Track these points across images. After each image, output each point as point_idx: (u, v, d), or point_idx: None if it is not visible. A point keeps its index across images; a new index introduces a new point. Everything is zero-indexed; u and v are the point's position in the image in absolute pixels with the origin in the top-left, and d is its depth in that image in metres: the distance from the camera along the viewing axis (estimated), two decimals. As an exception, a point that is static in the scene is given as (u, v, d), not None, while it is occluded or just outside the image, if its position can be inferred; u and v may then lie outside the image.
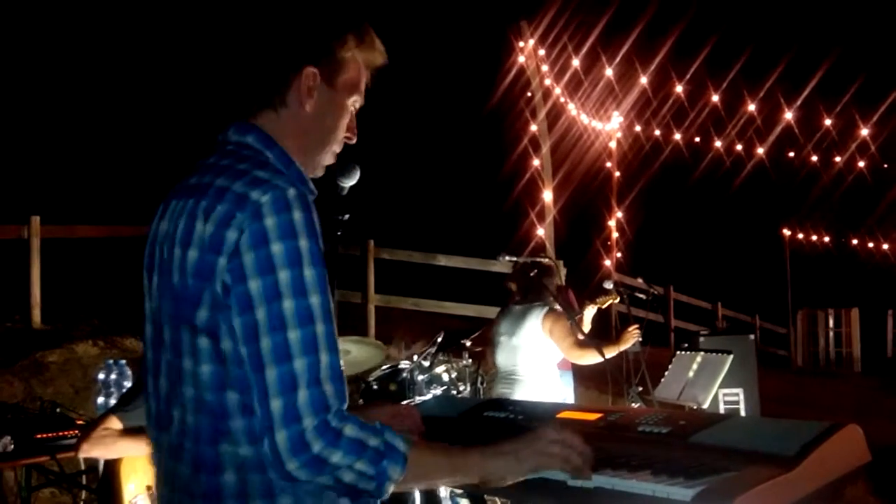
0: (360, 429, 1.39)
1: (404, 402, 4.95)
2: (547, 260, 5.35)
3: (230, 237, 1.38)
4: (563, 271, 5.26)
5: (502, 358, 5.09)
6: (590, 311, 5.82)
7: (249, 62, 1.62)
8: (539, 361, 4.95)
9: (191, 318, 1.42)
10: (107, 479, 3.73)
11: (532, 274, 5.07)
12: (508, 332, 5.04)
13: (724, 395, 6.15)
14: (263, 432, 1.36)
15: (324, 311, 1.40)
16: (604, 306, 5.66)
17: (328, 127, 1.64)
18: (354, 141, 1.71)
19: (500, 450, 1.51)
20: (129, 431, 3.55)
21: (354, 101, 1.67)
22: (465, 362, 5.87)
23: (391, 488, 1.42)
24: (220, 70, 1.65)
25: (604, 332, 5.85)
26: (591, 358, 4.88)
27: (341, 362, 1.43)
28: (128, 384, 4.67)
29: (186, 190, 1.53)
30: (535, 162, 12.04)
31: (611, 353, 4.84)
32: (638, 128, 15.18)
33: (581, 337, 4.91)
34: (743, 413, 6.05)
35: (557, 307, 4.97)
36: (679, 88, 13.89)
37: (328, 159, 1.68)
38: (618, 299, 5.63)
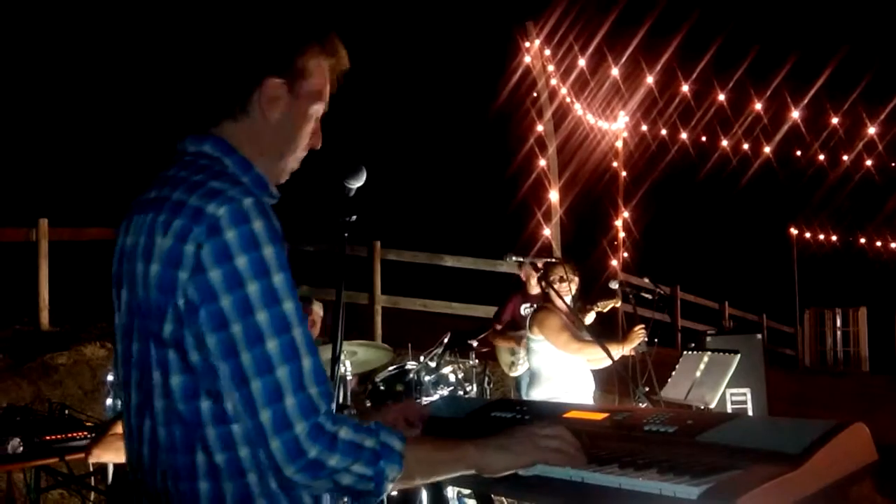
0: (356, 431, 1.40)
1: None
2: (553, 260, 5.35)
3: (188, 251, 1.38)
4: (575, 279, 5.21)
5: (531, 358, 5.17)
6: (590, 316, 5.84)
7: (211, 72, 1.59)
8: (562, 358, 4.96)
9: (157, 331, 1.43)
10: (117, 481, 3.74)
11: (538, 274, 5.10)
12: (528, 333, 5.10)
13: (732, 394, 6.13)
14: (259, 444, 1.37)
15: (297, 315, 1.41)
16: (605, 310, 5.66)
17: (290, 136, 1.62)
18: (319, 146, 1.70)
19: (495, 443, 1.57)
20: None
21: (317, 109, 1.65)
22: (471, 363, 5.88)
23: (390, 487, 1.44)
24: (182, 79, 1.64)
25: (610, 333, 5.85)
26: (590, 353, 4.88)
27: (321, 363, 1.44)
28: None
29: (147, 204, 1.52)
30: (542, 162, 12.04)
31: (617, 353, 4.84)
32: (644, 127, 15.15)
33: (585, 335, 4.91)
34: (751, 412, 6.04)
35: (550, 304, 5.01)
36: (685, 88, 13.87)
37: (293, 165, 1.67)
38: (619, 303, 5.63)
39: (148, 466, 1.49)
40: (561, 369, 4.98)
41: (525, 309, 6.37)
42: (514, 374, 6.47)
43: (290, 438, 1.35)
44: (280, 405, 1.35)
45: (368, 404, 5.47)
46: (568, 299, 4.99)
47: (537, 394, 5.02)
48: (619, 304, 5.59)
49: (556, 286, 4.95)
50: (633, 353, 5.04)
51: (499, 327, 6.59)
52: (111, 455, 3.59)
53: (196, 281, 1.37)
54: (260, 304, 1.37)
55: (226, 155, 1.54)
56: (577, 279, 5.17)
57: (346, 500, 1.52)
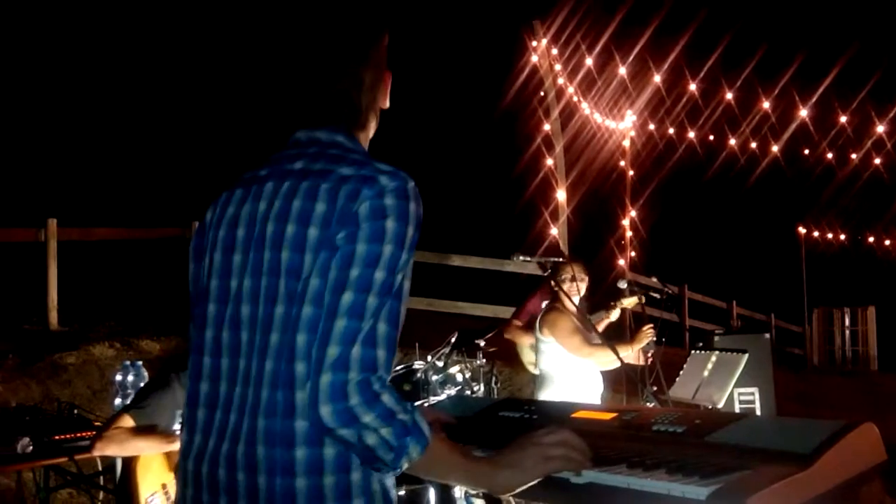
0: (396, 401, 1.44)
1: (417, 403, 4.96)
2: (561, 259, 5.34)
3: (353, 209, 1.48)
4: (585, 279, 5.19)
5: (539, 359, 5.14)
6: (615, 313, 5.76)
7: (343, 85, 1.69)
8: (563, 361, 4.95)
9: (296, 290, 1.48)
10: (125, 479, 3.76)
11: (545, 274, 5.08)
12: (538, 333, 5.08)
13: (740, 394, 6.11)
14: (311, 373, 1.41)
15: (404, 293, 1.50)
16: (630, 307, 5.58)
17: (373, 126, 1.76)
18: None
19: (507, 461, 1.54)
20: (143, 429, 3.58)
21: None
22: (479, 362, 5.87)
23: (405, 465, 1.45)
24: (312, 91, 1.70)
25: (618, 332, 5.83)
26: (601, 358, 4.86)
27: (397, 338, 1.49)
28: (142, 385, 4.70)
29: (288, 174, 1.58)
30: (549, 161, 12.03)
31: (626, 353, 4.83)
32: (652, 126, 15.13)
33: (595, 337, 4.89)
34: (759, 412, 6.02)
35: (560, 305, 4.97)
36: (693, 86, 13.84)
37: None
38: (636, 301, 5.58)
39: (231, 433, 1.50)
40: (570, 370, 4.96)
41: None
42: (538, 372, 6.35)
43: (341, 380, 1.39)
44: (348, 348, 1.41)
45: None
46: (577, 300, 4.98)
47: (546, 395, 5.01)
48: (643, 300, 5.53)
49: (565, 286, 4.94)
50: (644, 359, 5.03)
51: (519, 323, 6.43)
52: (114, 449, 3.61)
53: (348, 231, 1.47)
54: (385, 264, 1.46)
55: (355, 150, 1.64)
56: (587, 279, 5.15)
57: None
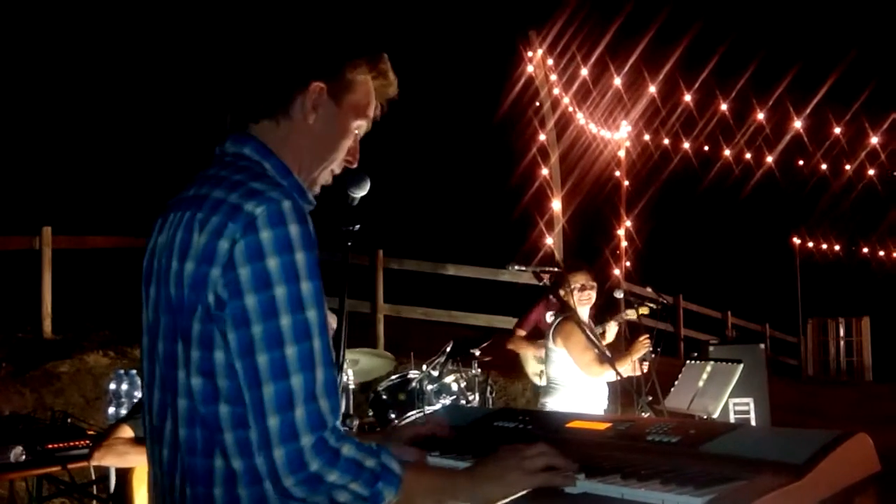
0: (358, 449, 1.40)
1: (412, 413, 4.96)
2: (558, 268, 5.33)
3: (222, 247, 1.38)
4: (594, 286, 5.18)
5: (548, 367, 5.12)
6: (612, 331, 5.74)
7: (258, 70, 1.61)
8: (572, 371, 4.93)
9: (186, 329, 1.42)
10: (120, 490, 3.74)
11: (547, 284, 5.04)
12: (549, 342, 5.06)
13: (735, 404, 6.11)
14: (260, 448, 1.36)
15: (320, 325, 1.41)
16: (636, 317, 5.53)
17: (329, 144, 1.63)
18: (354, 165, 1.71)
19: (487, 474, 1.51)
20: (141, 441, 3.57)
21: (359, 126, 1.67)
22: (474, 372, 5.87)
23: None
24: (227, 76, 1.65)
25: (614, 343, 5.82)
26: (609, 375, 4.85)
27: (335, 376, 1.44)
28: (138, 394, 4.70)
29: (184, 202, 1.52)
30: (544, 171, 12.05)
31: (623, 366, 4.84)
32: (647, 137, 15.17)
33: (600, 351, 4.87)
34: (753, 422, 6.02)
35: (575, 316, 4.94)
36: (688, 97, 13.89)
37: (325, 178, 1.68)
38: (648, 311, 5.54)
39: (167, 468, 1.49)
40: (578, 380, 4.94)
41: (550, 316, 6.33)
42: (542, 383, 6.27)
43: (294, 449, 1.34)
44: (290, 414, 1.35)
45: (371, 413, 5.47)
46: (587, 309, 4.97)
47: (552, 402, 5.00)
48: (647, 312, 5.51)
49: (576, 296, 4.93)
50: (639, 368, 5.02)
51: (522, 333, 6.40)
52: (112, 459, 3.60)
53: (227, 277, 1.37)
54: (285, 308, 1.37)
55: (265, 158, 1.56)
56: (595, 285, 5.12)
57: None
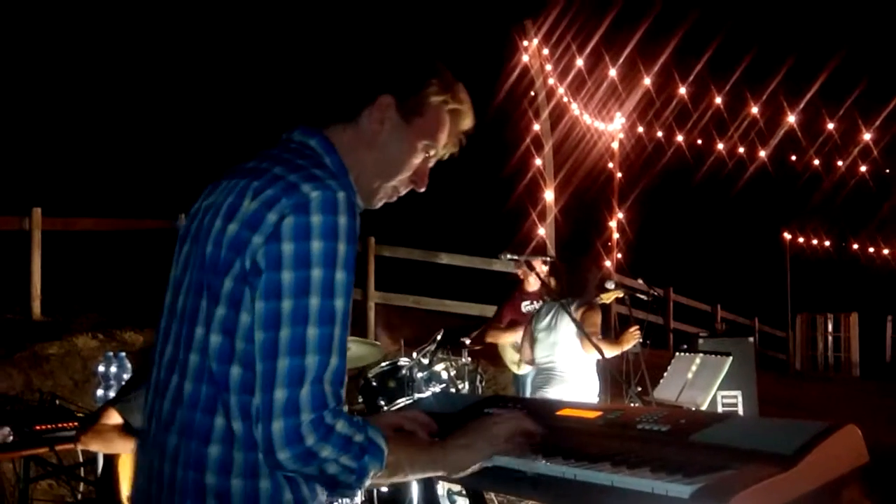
0: (349, 424, 1.43)
1: (402, 400, 4.96)
2: (550, 258, 5.36)
3: (270, 218, 1.42)
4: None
5: (540, 353, 5.12)
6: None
7: (335, 73, 1.67)
8: (576, 357, 4.95)
9: (216, 286, 1.45)
10: (107, 474, 3.74)
11: (582, 269, 5.10)
12: (548, 327, 5.06)
13: (723, 396, 6.15)
14: (260, 417, 1.39)
15: (344, 316, 1.44)
16: (608, 301, 5.63)
17: (391, 161, 1.65)
18: (421, 189, 1.72)
19: (458, 443, 1.65)
20: (129, 428, 3.56)
21: (428, 147, 1.67)
22: (464, 360, 5.88)
23: (367, 483, 1.48)
24: (306, 76, 1.70)
25: (604, 333, 5.84)
26: (597, 355, 4.90)
27: (345, 368, 1.47)
28: (127, 377, 4.69)
29: (242, 171, 1.56)
30: (538, 161, 12.05)
31: (611, 353, 4.85)
32: (640, 129, 15.18)
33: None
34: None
35: (595, 302, 5.01)
36: (682, 90, 13.90)
37: (385, 193, 1.70)
38: (621, 294, 5.62)
39: (165, 421, 1.51)
40: (579, 368, 4.97)
41: (526, 306, 6.35)
42: (521, 371, 6.32)
43: (293, 424, 1.38)
44: (297, 390, 1.38)
45: (360, 400, 5.47)
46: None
47: (545, 390, 5.01)
48: (621, 295, 5.59)
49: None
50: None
51: (500, 325, 6.49)
52: (99, 444, 3.59)
53: (269, 247, 1.40)
54: (317, 290, 1.40)
55: (328, 154, 1.60)
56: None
57: (322, 491, 1.54)
